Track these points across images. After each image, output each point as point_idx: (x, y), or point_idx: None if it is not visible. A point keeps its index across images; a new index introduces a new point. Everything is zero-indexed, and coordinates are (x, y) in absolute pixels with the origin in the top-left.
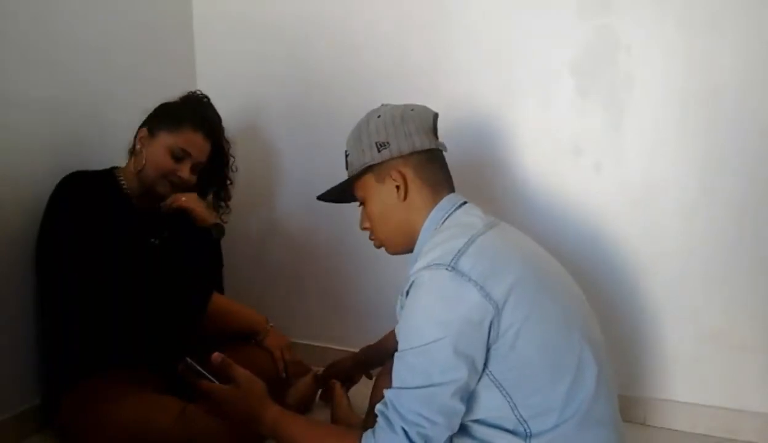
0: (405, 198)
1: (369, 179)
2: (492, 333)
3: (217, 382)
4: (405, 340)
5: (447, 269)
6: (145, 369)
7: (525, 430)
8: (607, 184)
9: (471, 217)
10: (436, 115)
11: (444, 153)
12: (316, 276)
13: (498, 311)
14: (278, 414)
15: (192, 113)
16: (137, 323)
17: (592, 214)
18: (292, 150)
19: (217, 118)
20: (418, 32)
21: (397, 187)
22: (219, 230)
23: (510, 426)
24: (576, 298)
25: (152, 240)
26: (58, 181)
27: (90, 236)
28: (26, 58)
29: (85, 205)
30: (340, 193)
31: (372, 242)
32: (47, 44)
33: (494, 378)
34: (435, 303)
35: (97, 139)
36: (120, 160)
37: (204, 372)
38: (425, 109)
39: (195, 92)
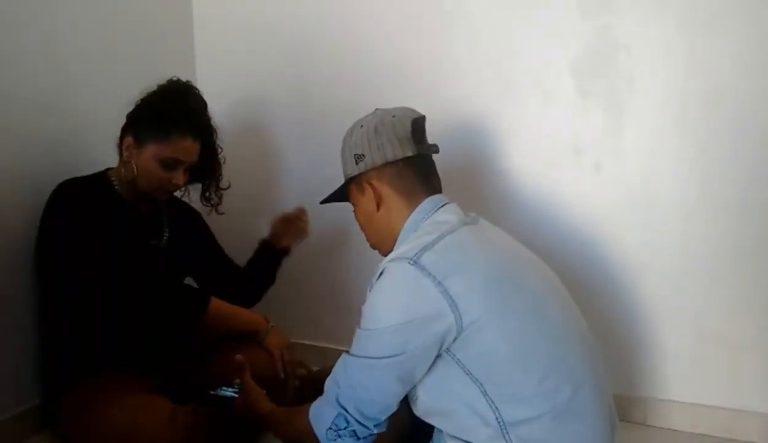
0: (379, 208)
1: (352, 189)
2: (449, 328)
3: (236, 395)
4: (363, 319)
5: (409, 262)
6: (142, 371)
7: (497, 418)
8: (607, 183)
9: (448, 215)
10: (417, 120)
11: (430, 154)
12: (316, 276)
13: (455, 306)
14: (268, 408)
15: (177, 115)
16: (135, 326)
17: (592, 213)
18: (291, 150)
19: (202, 106)
20: (418, 33)
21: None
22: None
23: (483, 415)
24: (554, 296)
25: (153, 241)
26: (58, 183)
27: (87, 239)
28: (26, 58)
29: (81, 209)
30: (339, 196)
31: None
32: (47, 44)
33: (463, 365)
34: (393, 292)
35: (97, 140)
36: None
37: (226, 395)
38: (406, 114)
39: (175, 81)
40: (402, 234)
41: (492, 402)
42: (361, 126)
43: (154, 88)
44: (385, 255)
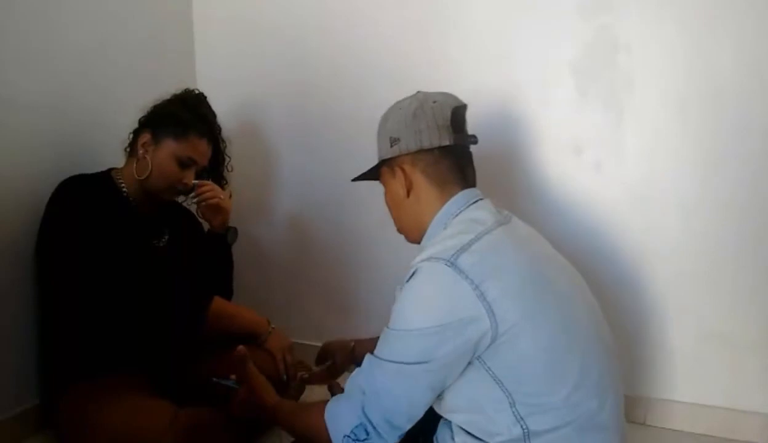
0: (409, 194)
1: (385, 171)
2: (485, 334)
3: (239, 388)
4: (393, 320)
5: (446, 264)
6: (142, 372)
7: (522, 427)
8: (607, 183)
9: (482, 212)
10: (458, 108)
11: (468, 145)
12: (316, 276)
13: (491, 312)
14: (275, 402)
15: (195, 118)
16: (136, 326)
17: (592, 213)
18: (291, 150)
19: (213, 116)
20: (417, 34)
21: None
22: (235, 234)
23: (508, 423)
24: (583, 302)
25: (155, 241)
26: (58, 182)
27: (88, 239)
28: (26, 58)
29: (84, 208)
30: (371, 176)
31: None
32: (47, 44)
33: (494, 374)
34: (428, 294)
35: (97, 140)
36: (119, 161)
37: (229, 384)
38: (447, 101)
39: (190, 90)
40: (432, 227)
41: (518, 412)
42: (400, 108)
43: (168, 97)
44: (410, 242)
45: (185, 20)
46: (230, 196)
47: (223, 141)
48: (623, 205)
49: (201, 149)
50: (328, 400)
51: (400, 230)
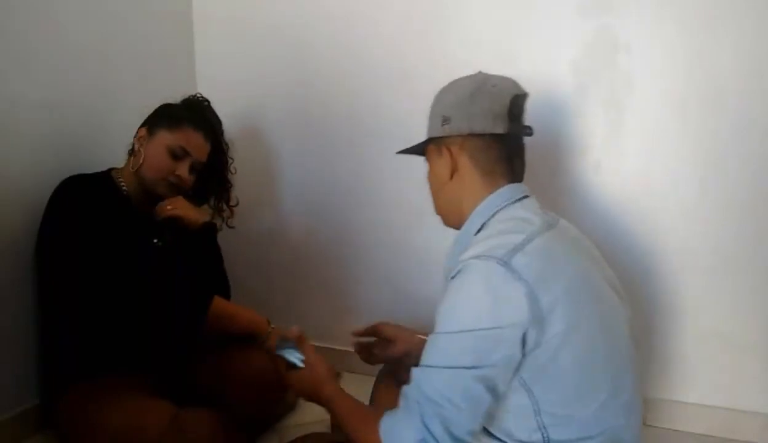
0: (452, 177)
1: (431, 149)
2: (531, 340)
3: (302, 365)
4: (441, 323)
5: (499, 262)
6: (142, 372)
7: (544, 436)
8: (607, 183)
9: (529, 212)
10: (517, 97)
11: (522, 136)
12: (317, 277)
13: (541, 319)
14: (332, 393)
15: (192, 113)
16: (136, 327)
17: (592, 213)
18: (291, 151)
19: (217, 121)
20: (418, 35)
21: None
22: (209, 231)
23: (530, 430)
24: (624, 315)
25: (155, 241)
26: (58, 183)
27: (88, 239)
28: (26, 59)
29: (84, 208)
30: (417, 151)
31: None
32: (47, 45)
33: (524, 382)
34: (479, 293)
35: (98, 141)
36: (119, 161)
37: (293, 361)
38: (507, 88)
39: (195, 95)
40: (473, 216)
41: (542, 421)
42: (458, 87)
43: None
44: (446, 226)
45: (185, 20)
46: (237, 203)
47: (225, 143)
48: (623, 204)
49: (195, 141)
50: (384, 410)
51: (437, 211)
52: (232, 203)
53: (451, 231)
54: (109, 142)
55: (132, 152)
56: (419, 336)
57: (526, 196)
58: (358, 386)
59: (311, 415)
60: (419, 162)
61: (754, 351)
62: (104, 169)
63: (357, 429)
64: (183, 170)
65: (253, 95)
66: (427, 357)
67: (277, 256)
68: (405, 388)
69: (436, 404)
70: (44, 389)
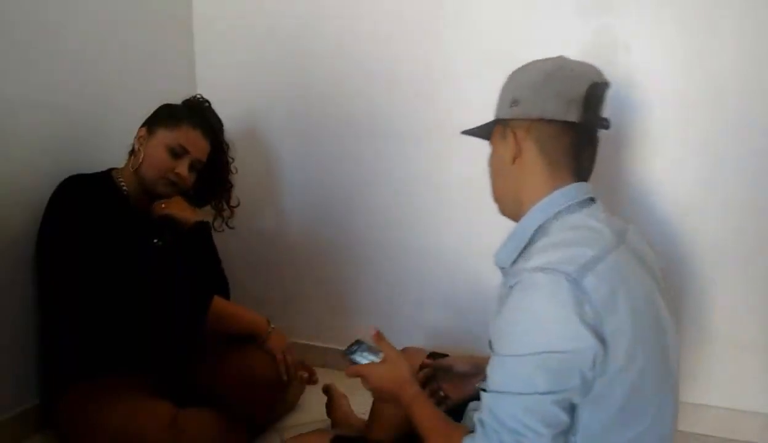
0: (513, 162)
1: (497, 130)
2: (598, 367)
3: (378, 361)
4: (506, 344)
5: (568, 279)
6: (142, 372)
7: None
8: (607, 183)
9: (598, 221)
10: (596, 85)
11: (596, 129)
12: (317, 277)
13: (605, 346)
14: (414, 395)
15: (191, 112)
16: (136, 327)
17: None
18: (291, 152)
19: (217, 122)
20: (417, 36)
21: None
22: (201, 229)
23: None
24: (675, 342)
25: (155, 241)
26: (58, 183)
27: (88, 239)
28: (26, 59)
29: (84, 208)
30: (482, 133)
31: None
32: (47, 45)
33: (575, 403)
34: (547, 313)
35: (97, 141)
36: (119, 161)
37: (369, 353)
38: (587, 74)
39: (196, 96)
40: (532, 212)
41: (574, 442)
42: (533, 68)
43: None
44: (501, 214)
45: (185, 22)
46: (238, 204)
47: (226, 144)
48: (622, 205)
49: (194, 139)
50: (464, 426)
51: (494, 198)
52: (233, 203)
53: (451, 232)
54: (109, 143)
55: (132, 152)
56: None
57: (592, 200)
58: (354, 385)
59: (311, 415)
60: (418, 162)
61: (754, 351)
62: (104, 169)
63: (437, 439)
64: (182, 168)
65: (253, 96)
66: (496, 382)
67: (276, 256)
68: (480, 416)
69: (517, 433)
70: (44, 389)
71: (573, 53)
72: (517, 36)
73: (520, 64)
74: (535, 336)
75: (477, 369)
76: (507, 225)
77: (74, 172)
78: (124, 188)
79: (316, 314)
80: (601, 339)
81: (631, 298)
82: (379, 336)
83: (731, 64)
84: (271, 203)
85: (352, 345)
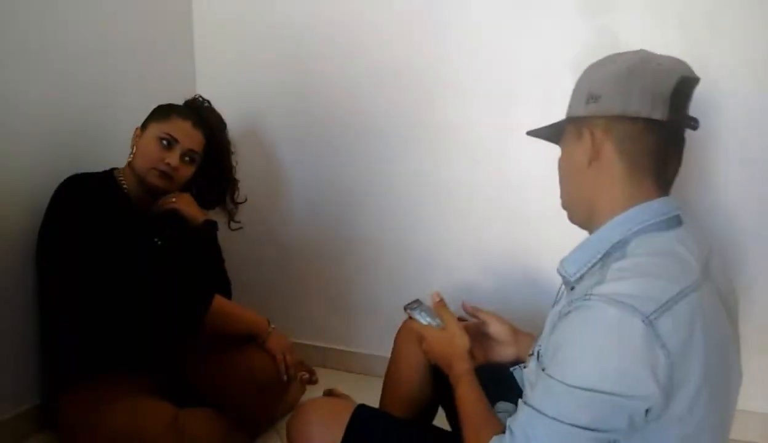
0: (590, 165)
1: (569, 130)
2: (653, 414)
3: (434, 325)
4: (557, 367)
5: (644, 321)
6: (143, 372)
7: None
8: None
9: (687, 251)
10: (686, 79)
11: (683, 128)
12: (317, 277)
13: (670, 394)
14: (464, 372)
15: (184, 106)
16: (136, 326)
17: None
18: (291, 151)
19: (217, 119)
20: (417, 36)
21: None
22: (209, 229)
23: None
24: (738, 386)
25: (155, 240)
26: (58, 183)
27: (89, 238)
28: (26, 60)
29: (85, 207)
30: (550, 134)
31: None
32: (47, 46)
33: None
34: (609, 350)
35: (98, 141)
36: (120, 161)
37: (423, 322)
38: (675, 68)
39: (196, 97)
40: (612, 224)
41: None
42: (614, 61)
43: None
44: (574, 223)
45: (185, 21)
46: (245, 200)
47: (229, 142)
48: None
49: (183, 128)
50: (500, 423)
51: (563, 203)
52: (240, 200)
53: (451, 233)
54: (109, 142)
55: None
56: (526, 335)
57: (680, 220)
58: (356, 385)
59: None
60: (418, 162)
61: (754, 351)
62: (105, 168)
63: (471, 425)
64: (173, 158)
65: (253, 95)
66: (538, 400)
67: (277, 256)
68: (512, 423)
69: None
70: (44, 389)
71: (573, 53)
72: (518, 36)
73: (520, 64)
74: (590, 371)
75: (511, 340)
76: (510, 226)
77: (75, 171)
78: (125, 188)
79: (316, 314)
80: (665, 388)
81: (706, 346)
82: (440, 304)
83: (731, 64)
84: (270, 203)
85: (412, 302)
